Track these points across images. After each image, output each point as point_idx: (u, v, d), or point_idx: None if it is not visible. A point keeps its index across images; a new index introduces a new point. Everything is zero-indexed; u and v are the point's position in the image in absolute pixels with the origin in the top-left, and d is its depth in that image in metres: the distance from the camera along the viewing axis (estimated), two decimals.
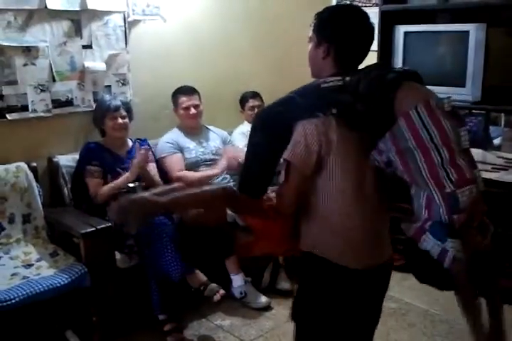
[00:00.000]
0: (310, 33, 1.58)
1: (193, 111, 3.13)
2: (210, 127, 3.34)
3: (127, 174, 2.72)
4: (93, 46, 2.94)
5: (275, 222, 1.61)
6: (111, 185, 2.71)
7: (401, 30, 3.06)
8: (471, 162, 1.40)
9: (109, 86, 3.04)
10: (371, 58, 3.45)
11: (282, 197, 1.55)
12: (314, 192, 1.50)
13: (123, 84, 3.09)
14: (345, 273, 1.53)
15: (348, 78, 1.46)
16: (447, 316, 2.79)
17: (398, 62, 3.10)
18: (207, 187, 1.62)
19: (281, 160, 1.50)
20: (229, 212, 1.66)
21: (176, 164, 3.07)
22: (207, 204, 1.56)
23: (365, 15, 1.52)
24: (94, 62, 2.95)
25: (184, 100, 3.12)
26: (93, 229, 2.45)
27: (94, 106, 2.93)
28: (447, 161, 1.33)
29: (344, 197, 1.48)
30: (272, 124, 1.54)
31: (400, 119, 1.36)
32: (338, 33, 1.51)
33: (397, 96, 1.40)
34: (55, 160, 2.83)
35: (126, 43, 3.07)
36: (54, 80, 2.82)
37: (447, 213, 1.35)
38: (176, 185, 1.64)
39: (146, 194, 1.53)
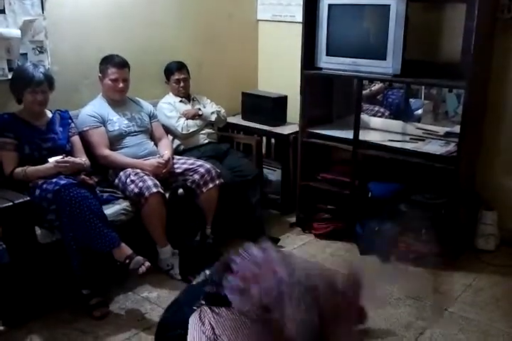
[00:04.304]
0: None
1: (121, 85, 3.05)
2: (135, 99, 3.27)
3: (51, 165, 2.62)
4: (6, 11, 2.77)
5: None
6: (33, 168, 2.62)
7: (325, 1, 3.08)
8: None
9: (25, 54, 2.89)
10: (297, 29, 3.49)
11: None
12: None
13: (40, 51, 2.94)
14: None
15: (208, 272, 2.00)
16: None
17: (322, 34, 3.13)
18: None
19: None
20: None
21: (100, 139, 3.00)
22: None
23: None
24: (8, 29, 2.78)
25: (114, 72, 3.02)
26: (10, 203, 2.36)
27: (8, 75, 2.78)
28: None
29: None
30: None
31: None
32: None
33: None
34: None
35: (42, 9, 2.91)
36: None
37: None
38: None
39: None
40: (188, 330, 1.80)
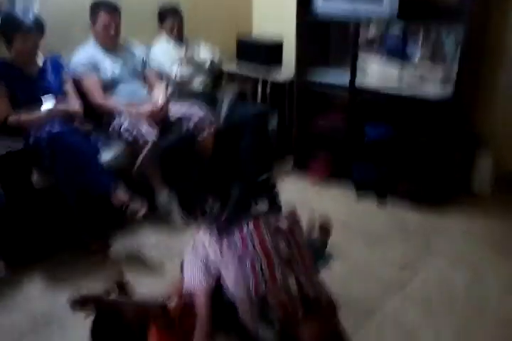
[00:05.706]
0: None
1: (112, 31, 2.98)
2: (127, 45, 3.20)
3: (45, 112, 2.61)
4: None
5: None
6: (27, 116, 2.59)
7: None
8: (290, 271, 1.77)
9: None
10: None
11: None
12: None
13: None
14: None
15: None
16: None
17: None
18: (150, 301, 1.87)
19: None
20: None
21: (93, 86, 2.97)
22: (142, 314, 1.86)
23: None
24: None
25: (105, 18, 2.94)
26: (8, 150, 2.36)
27: None
28: (266, 271, 1.75)
29: None
30: None
31: (235, 231, 1.87)
32: None
33: None
34: None
35: None
36: None
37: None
38: None
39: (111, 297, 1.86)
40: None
